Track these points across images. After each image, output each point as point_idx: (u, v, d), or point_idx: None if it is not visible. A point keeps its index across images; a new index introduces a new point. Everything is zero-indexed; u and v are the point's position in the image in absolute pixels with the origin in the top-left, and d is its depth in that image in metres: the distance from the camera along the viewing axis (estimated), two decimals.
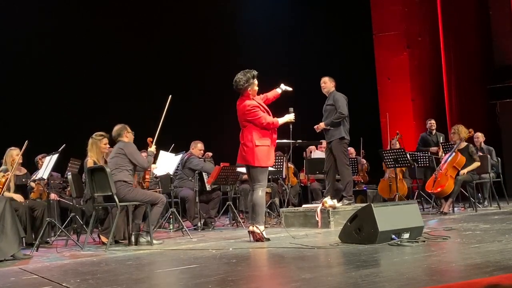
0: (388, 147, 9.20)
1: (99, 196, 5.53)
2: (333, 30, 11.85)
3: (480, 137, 8.77)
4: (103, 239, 5.76)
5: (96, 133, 5.95)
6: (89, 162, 5.82)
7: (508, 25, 11.08)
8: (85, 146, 5.97)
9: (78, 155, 6.79)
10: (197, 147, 7.62)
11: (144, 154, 6.07)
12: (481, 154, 8.16)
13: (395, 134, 9.35)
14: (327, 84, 6.61)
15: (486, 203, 8.25)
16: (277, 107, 5.54)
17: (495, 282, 2.22)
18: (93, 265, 4.24)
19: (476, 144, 8.63)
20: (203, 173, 7.34)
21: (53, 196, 6.50)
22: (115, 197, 5.25)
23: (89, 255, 4.91)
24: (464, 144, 7.57)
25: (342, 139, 6.45)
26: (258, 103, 5.28)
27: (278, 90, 5.68)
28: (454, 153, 7.43)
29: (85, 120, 9.12)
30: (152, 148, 5.87)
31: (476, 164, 7.45)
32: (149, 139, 5.97)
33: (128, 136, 5.70)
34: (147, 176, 6.27)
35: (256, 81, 5.27)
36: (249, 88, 5.23)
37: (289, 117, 5.40)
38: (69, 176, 6.37)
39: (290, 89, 5.69)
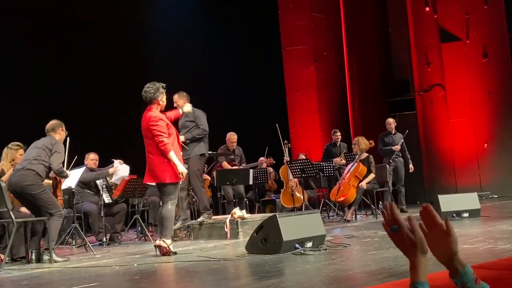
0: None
1: None
2: (243, 42, 12.02)
3: (391, 123, 9.17)
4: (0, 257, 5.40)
5: (13, 142, 5.82)
6: None
7: (405, 42, 11.84)
8: None
9: None
10: (89, 157, 7.32)
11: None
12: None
13: (305, 149, 9.67)
14: (178, 102, 6.35)
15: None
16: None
17: None
18: None
19: (389, 129, 9.08)
20: (100, 186, 7.08)
21: None
22: (11, 213, 4.96)
23: None
24: (365, 155, 7.96)
25: (202, 155, 6.60)
26: (162, 118, 5.19)
27: (180, 111, 5.80)
28: (356, 163, 7.80)
29: None
30: None
31: (372, 176, 7.83)
32: None
33: (61, 134, 5.56)
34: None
35: (164, 93, 5.23)
36: (158, 98, 5.18)
37: (182, 169, 5.15)
38: None
39: (189, 110, 5.94)
